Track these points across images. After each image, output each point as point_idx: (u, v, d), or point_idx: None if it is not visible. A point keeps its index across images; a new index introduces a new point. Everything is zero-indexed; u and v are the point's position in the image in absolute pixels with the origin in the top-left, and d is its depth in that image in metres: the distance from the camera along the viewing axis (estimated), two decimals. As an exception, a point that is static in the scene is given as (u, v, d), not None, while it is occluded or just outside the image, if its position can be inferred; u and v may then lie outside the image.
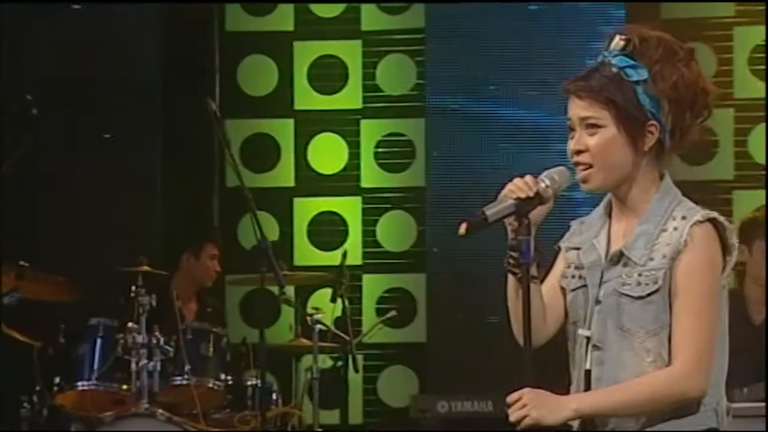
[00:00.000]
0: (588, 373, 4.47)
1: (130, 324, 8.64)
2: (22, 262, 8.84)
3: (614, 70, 4.41)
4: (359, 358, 9.68)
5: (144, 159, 10.72)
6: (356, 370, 9.46)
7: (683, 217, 4.44)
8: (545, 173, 4.42)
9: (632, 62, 4.43)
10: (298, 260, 10.71)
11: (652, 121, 4.42)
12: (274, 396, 9.22)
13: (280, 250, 10.10)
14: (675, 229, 4.42)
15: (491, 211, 4.33)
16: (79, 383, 8.65)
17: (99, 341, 8.72)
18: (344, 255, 9.90)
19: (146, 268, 8.88)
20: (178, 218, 10.74)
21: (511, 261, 4.38)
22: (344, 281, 9.45)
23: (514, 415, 4.32)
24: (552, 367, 7.44)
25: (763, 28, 11.77)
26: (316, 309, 9.34)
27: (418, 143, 10.85)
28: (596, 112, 4.41)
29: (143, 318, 8.65)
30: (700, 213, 4.35)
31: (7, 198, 9.70)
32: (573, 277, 4.51)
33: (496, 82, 11.08)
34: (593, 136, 4.41)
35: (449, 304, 10.66)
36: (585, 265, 4.51)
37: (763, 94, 11.61)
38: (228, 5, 11.02)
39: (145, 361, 8.54)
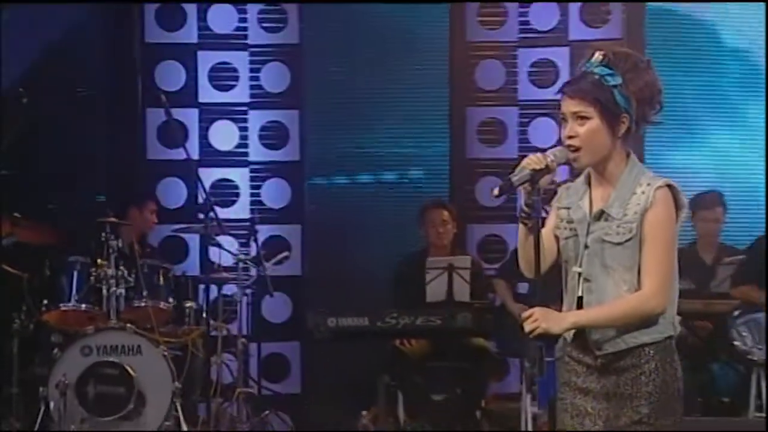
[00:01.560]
0: (580, 298, 5.11)
1: (100, 261, 9.14)
2: (16, 214, 9.27)
3: (596, 76, 5.03)
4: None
5: (93, 137, 10.92)
6: (271, 294, 10.11)
7: (648, 184, 5.07)
8: (550, 151, 5.04)
9: (610, 71, 5.04)
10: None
11: (625, 114, 5.02)
12: (204, 315, 9.77)
13: (189, 209, 10.93)
14: (642, 192, 5.05)
15: (515, 178, 4.95)
16: (62, 305, 9.14)
17: (76, 273, 9.18)
18: (254, 212, 10.71)
19: (113, 219, 9.32)
20: (119, 182, 11.02)
21: (524, 215, 5.02)
22: (256, 229, 10.04)
23: (528, 326, 4.99)
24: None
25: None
26: (239, 251, 10.18)
27: (293, 128, 11.19)
28: (584, 108, 5.01)
29: (112, 256, 9.15)
30: (660, 181, 5.10)
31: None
32: (565, 229, 5.12)
33: (359, 84, 11.34)
34: (582, 126, 5.02)
35: (319, 247, 11.16)
36: (574, 220, 5.12)
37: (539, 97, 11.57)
38: (147, 22, 11.11)
39: (114, 288, 9.03)
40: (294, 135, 11.24)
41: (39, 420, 8.77)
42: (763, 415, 9.24)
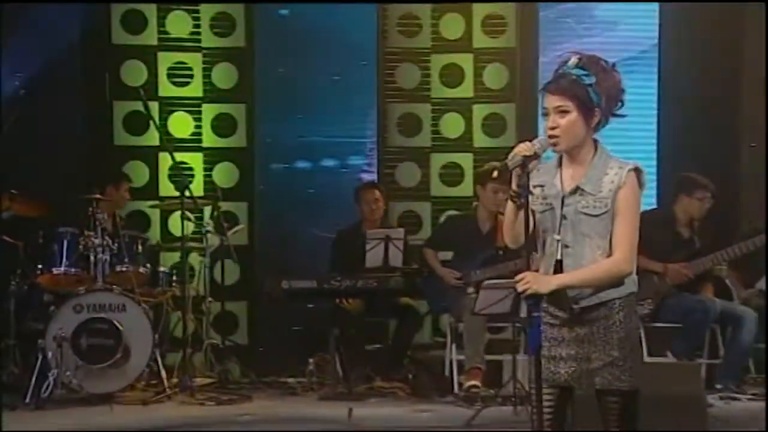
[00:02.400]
0: (559, 262, 5.32)
1: (87, 231, 9.37)
2: (13, 191, 9.50)
3: (574, 77, 5.24)
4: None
5: (73, 122, 10.94)
6: (235, 261, 10.37)
7: (619, 167, 5.28)
8: (535, 140, 5.28)
9: (585, 72, 5.25)
10: (162, 193, 11.15)
11: (597, 109, 5.20)
12: (174, 278, 10.11)
13: (150, 188, 11.24)
14: (615, 174, 5.26)
15: (510, 162, 5.14)
16: (54, 269, 9.38)
17: (66, 242, 9.40)
18: (217, 191, 10.68)
19: (98, 196, 9.53)
20: (92, 164, 10.96)
21: (514, 195, 5.23)
22: (219, 205, 10.21)
23: (521, 287, 5.23)
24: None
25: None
26: (209, 223, 10.17)
27: (240, 119, 11.36)
28: (564, 102, 5.22)
29: (99, 228, 9.41)
30: (629, 164, 5.33)
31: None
32: (541, 204, 5.30)
33: (300, 82, 11.32)
34: (562, 118, 5.22)
35: (265, 220, 11.24)
36: (549, 195, 5.31)
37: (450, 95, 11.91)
38: (114, 27, 11.22)
39: (100, 255, 9.31)
40: (241, 125, 11.40)
41: (38, 366, 8.87)
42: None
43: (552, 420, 5.31)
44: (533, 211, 5.26)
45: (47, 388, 8.87)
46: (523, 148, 5.13)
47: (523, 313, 8.49)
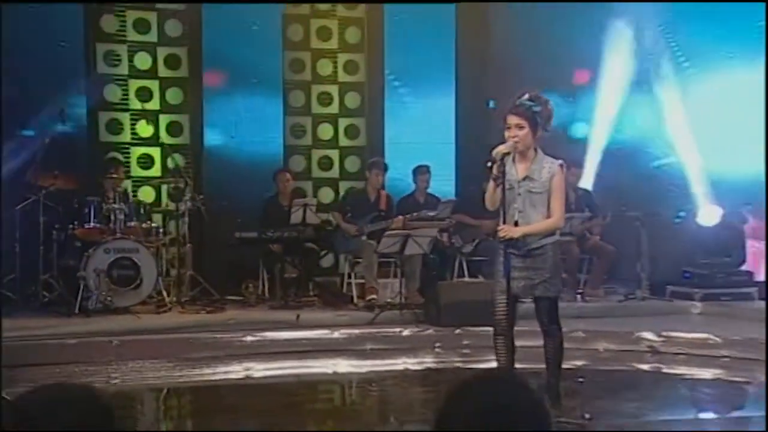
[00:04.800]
0: (516, 222, 5.73)
1: (107, 199, 9.77)
2: (55, 171, 9.79)
3: (527, 106, 5.66)
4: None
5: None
6: (206, 219, 10.24)
7: (551, 163, 5.76)
8: (507, 144, 5.66)
9: (533, 103, 5.67)
10: (133, 174, 11.26)
11: (539, 127, 5.66)
12: (162, 230, 10.25)
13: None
14: (549, 167, 5.75)
15: (497, 155, 5.56)
16: (85, 224, 9.69)
17: (93, 206, 9.69)
18: (176, 164, 10.64)
19: (114, 175, 10.02)
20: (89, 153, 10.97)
21: (495, 178, 5.63)
22: (189, 181, 10.24)
23: (501, 234, 5.71)
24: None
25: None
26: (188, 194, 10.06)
27: (185, 125, 11.48)
28: (521, 121, 5.66)
29: (116, 196, 9.85)
30: (557, 161, 5.80)
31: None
32: (506, 185, 5.66)
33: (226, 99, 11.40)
34: (520, 131, 5.65)
35: (214, 191, 10.97)
36: (510, 180, 5.69)
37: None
38: (99, 60, 11.16)
39: (118, 215, 9.64)
40: (186, 129, 11.54)
41: (81, 290, 9.32)
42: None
43: (505, 317, 5.79)
44: (504, 188, 5.67)
45: (90, 303, 9.34)
46: (502, 148, 5.64)
47: (408, 251, 9.50)
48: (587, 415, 5.97)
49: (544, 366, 6.02)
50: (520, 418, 1.77)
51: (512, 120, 5.67)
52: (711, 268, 10.80)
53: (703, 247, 11.05)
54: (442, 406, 1.85)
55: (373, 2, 11.76)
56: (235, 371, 8.43)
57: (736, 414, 7.51)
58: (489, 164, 5.62)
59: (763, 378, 7.84)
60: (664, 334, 9.04)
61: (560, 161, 5.88)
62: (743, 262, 11.05)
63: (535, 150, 5.78)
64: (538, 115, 5.70)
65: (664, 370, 8.55)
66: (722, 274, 10.77)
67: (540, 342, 6.08)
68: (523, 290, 5.84)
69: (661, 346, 8.94)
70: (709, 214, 11.22)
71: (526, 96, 5.72)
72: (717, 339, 8.90)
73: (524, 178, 5.74)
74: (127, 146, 11.39)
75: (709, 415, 7.50)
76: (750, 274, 10.87)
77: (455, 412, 1.81)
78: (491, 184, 5.65)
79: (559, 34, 11.44)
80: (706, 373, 8.43)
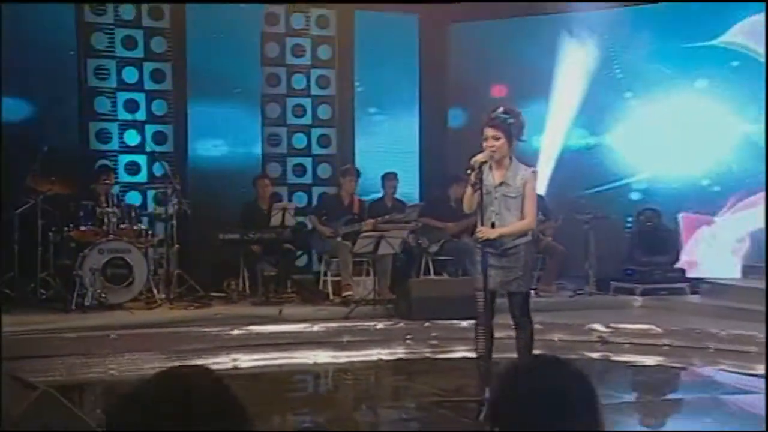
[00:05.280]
0: (493, 223, 5.78)
1: (100, 203, 9.79)
2: (53, 177, 9.79)
3: (503, 119, 5.71)
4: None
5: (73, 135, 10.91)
6: (188, 219, 10.22)
7: (525, 170, 5.84)
8: (484, 153, 5.72)
9: (508, 116, 5.73)
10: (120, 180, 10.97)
11: (513, 137, 5.73)
12: (150, 232, 10.23)
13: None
14: (523, 174, 5.83)
15: (475, 164, 5.63)
16: (81, 227, 9.71)
17: (88, 209, 9.72)
18: (169, 172, 10.45)
19: (107, 181, 10.05)
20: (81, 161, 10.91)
21: (473, 183, 5.70)
22: (176, 186, 10.14)
23: (479, 235, 5.77)
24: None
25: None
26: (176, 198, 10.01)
27: (170, 135, 11.38)
28: (498, 133, 5.71)
29: (109, 200, 9.86)
30: (530, 169, 5.91)
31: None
32: (482, 190, 5.70)
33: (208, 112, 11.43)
34: (497, 141, 5.70)
35: (197, 197, 10.85)
36: (487, 185, 5.76)
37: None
38: (90, 74, 11.05)
39: (110, 218, 9.69)
40: (170, 138, 11.53)
41: (77, 287, 9.32)
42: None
43: (484, 310, 5.83)
44: (481, 194, 5.77)
45: (85, 299, 9.34)
46: (480, 157, 5.72)
47: (381, 251, 9.67)
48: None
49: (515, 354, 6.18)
50: (573, 399, 1.77)
51: (489, 132, 5.77)
52: (649, 266, 11.11)
53: (642, 248, 11.34)
54: (499, 390, 1.85)
55: (367, 1, 11.78)
56: (224, 362, 8.47)
57: (676, 396, 7.80)
58: (468, 171, 5.72)
59: (699, 363, 8.38)
60: (612, 325, 9.34)
61: (533, 168, 6.06)
62: (677, 260, 11.39)
63: (510, 158, 5.89)
64: (512, 126, 5.80)
65: (612, 358, 8.80)
66: (659, 272, 11.08)
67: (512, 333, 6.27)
68: (499, 286, 5.93)
69: (609, 336, 9.21)
70: (647, 218, 11.50)
71: (501, 109, 5.83)
72: (658, 329, 9.20)
73: (500, 184, 5.83)
74: (115, 154, 11.39)
75: (651, 398, 7.64)
76: (683, 271, 11.19)
77: (512, 395, 1.81)
78: (469, 189, 5.74)
79: (513, 50, 11.76)
80: (650, 360, 8.66)
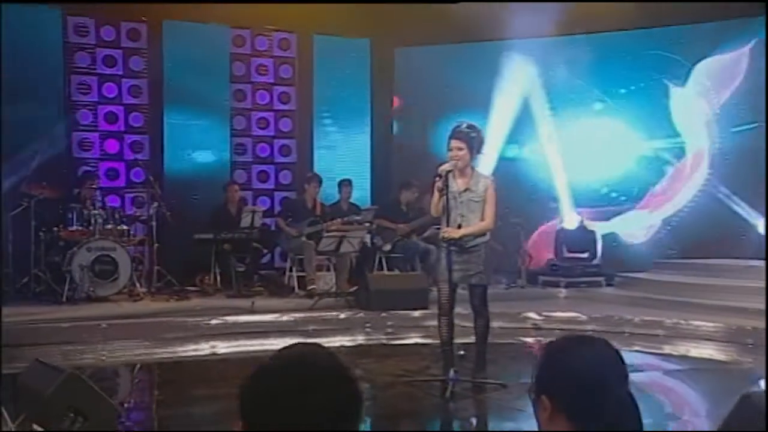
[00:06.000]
0: (459, 225, 5.88)
1: (87, 205, 9.84)
2: (43, 182, 9.95)
3: (465, 132, 5.86)
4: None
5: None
6: (170, 221, 10.17)
7: (485, 178, 5.98)
8: (450, 163, 5.79)
9: (470, 130, 5.87)
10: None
11: (474, 149, 5.83)
12: (132, 232, 10.28)
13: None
14: (483, 181, 5.97)
15: (442, 172, 5.70)
16: (69, 227, 9.72)
17: (76, 212, 9.75)
18: (152, 178, 10.50)
19: (93, 186, 10.19)
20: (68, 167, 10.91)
21: (440, 189, 5.77)
22: (158, 190, 10.34)
23: (445, 235, 5.83)
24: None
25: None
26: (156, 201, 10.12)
27: (147, 145, 11.37)
28: (461, 145, 5.81)
29: (97, 203, 10.04)
30: (489, 177, 6.03)
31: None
32: (446, 195, 5.77)
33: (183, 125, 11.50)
34: (461, 152, 5.81)
35: (173, 200, 10.78)
36: (452, 191, 5.85)
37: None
38: (72, 90, 11.02)
39: (96, 219, 9.70)
40: (147, 147, 11.49)
41: (67, 282, 9.32)
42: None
43: (448, 300, 6.00)
44: (447, 198, 5.90)
45: (76, 293, 9.35)
46: (446, 166, 5.84)
47: (343, 250, 9.84)
48: (504, 383, 6.38)
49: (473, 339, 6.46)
50: (608, 370, 1.86)
51: (454, 144, 5.91)
52: (572, 262, 11.51)
53: (566, 246, 11.76)
54: (545, 364, 1.90)
55: (375, 2, 11.55)
56: (203, 348, 8.56)
57: None
58: (436, 179, 5.83)
59: (617, 345, 8.46)
60: (544, 313, 9.70)
61: (492, 177, 6.21)
62: (595, 257, 11.78)
63: (472, 168, 6.05)
64: (473, 139, 5.96)
65: (544, 342, 9.08)
66: (580, 267, 11.46)
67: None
68: (461, 279, 6.06)
69: (541, 324, 9.53)
70: (570, 220, 11.98)
71: (465, 125, 6.01)
72: (583, 316, 9.56)
73: (465, 190, 5.96)
74: (95, 161, 11.40)
75: None
76: (599, 266, 11.60)
77: (556, 367, 1.87)
78: (437, 194, 5.85)
79: (453, 72, 12.02)
80: None
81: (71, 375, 5.12)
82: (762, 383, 6.67)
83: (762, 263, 9.18)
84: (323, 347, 1.72)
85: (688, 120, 11.58)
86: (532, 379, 1.89)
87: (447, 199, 5.79)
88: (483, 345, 6.24)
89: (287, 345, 1.70)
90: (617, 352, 1.89)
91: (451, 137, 5.87)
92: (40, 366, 5.43)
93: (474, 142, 5.90)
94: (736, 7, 10.49)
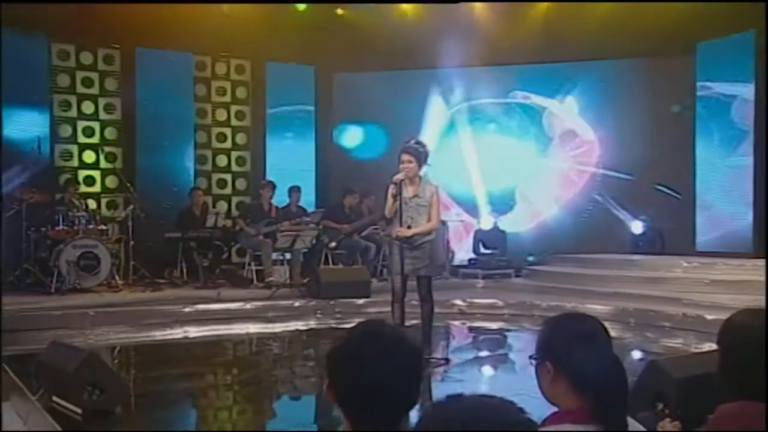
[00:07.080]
0: (409, 226, 5.83)
1: (71, 208, 9.78)
2: (33, 188, 9.95)
3: (414, 147, 5.81)
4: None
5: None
6: (144, 217, 10.02)
7: (431, 185, 5.88)
8: (401, 173, 5.72)
9: (418, 145, 5.84)
10: (81, 190, 10.68)
11: (422, 162, 5.80)
12: (110, 231, 10.14)
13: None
14: (429, 188, 5.90)
15: (396, 180, 5.70)
16: (56, 227, 9.61)
17: (61, 213, 9.67)
18: (129, 184, 10.48)
19: (75, 191, 10.11)
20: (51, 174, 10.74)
21: (393, 194, 5.78)
22: (135, 195, 10.26)
23: (399, 234, 5.76)
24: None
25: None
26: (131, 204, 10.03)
27: (119, 154, 11.33)
28: (410, 158, 5.75)
29: (81, 205, 9.98)
30: (434, 185, 5.93)
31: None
32: (398, 201, 5.76)
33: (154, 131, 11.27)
34: (411, 164, 5.76)
35: (146, 201, 10.59)
36: (403, 197, 5.83)
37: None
38: (55, 107, 10.93)
39: (80, 220, 9.67)
40: (119, 157, 11.44)
41: (55, 276, 9.27)
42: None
43: (401, 289, 5.98)
44: (400, 203, 5.92)
45: (63, 285, 9.30)
46: (399, 176, 5.86)
47: (296, 246, 9.89)
48: (448, 358, 6.58)
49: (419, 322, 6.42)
50: (599, 337, 1.90)
51: (405, 157, 5.89)
52: (487, 257, 11.74)
53: (482, 243, 12.02)
54: (546, 335, 1.93)
55: (380, 2, 11.71)
56: (177, 333, 8.49)
57: (513, 352, 7.79)
58: (391, 187, 5.87)
59: (528, 326, 8.52)
60: (467, 300, 9.83)
61: (436, 184, 6.20)
62: (505, 252, 12.07)
63: (420, 177, 6.04)
64: (421, 153, 5.94)
65: (469, 325, 9.14)
66: (494, 261, 11.65)
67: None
68: (412, 271, 6.05)
69: (465, 309, 9.62)
70: (486, 221, 12.31)
71: (414, 141, 6.05)
72: (500, 303, 9.68)
73: (414, 196, 5.96)
74: (75, 170, 11.29)
75: (498, 352, 7.85)
76: (509, 261, 11.83)
77: (557, 337, 1.90)
78: (390, 200, 5.88)
79: (385, 94, 12.27)
80: (494, 325, 9.02)
81: (91, 354, 5.24)
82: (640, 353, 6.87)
83: (635, 257, 10.10)
84: (390, 324, 1.79)
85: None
86: (536, 348, 1.93)
87: (400, 203, 5.86)
88: (429, 327, 6.22)
89: (363, 321, 1.79)
90: (602, 323, 1.96)
91: (402, 151, 5.89)
92: (59, 347, 5.56)
93: (421, 156, 5.92)
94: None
